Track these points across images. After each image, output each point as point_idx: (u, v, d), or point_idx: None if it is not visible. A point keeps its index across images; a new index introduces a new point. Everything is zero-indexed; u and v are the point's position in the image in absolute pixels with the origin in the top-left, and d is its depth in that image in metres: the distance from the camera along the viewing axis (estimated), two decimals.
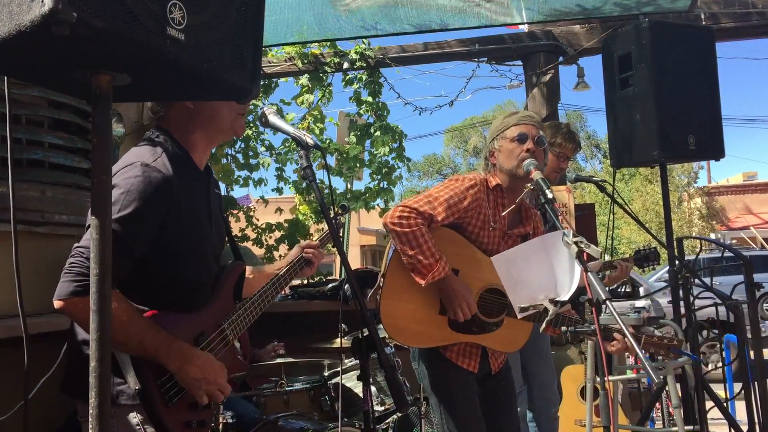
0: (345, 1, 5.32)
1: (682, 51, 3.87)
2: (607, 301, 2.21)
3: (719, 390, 3.91)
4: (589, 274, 2.26)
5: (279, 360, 3.64)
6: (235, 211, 6.73)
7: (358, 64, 6.56)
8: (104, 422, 1.25)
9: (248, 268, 2.38)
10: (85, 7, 1.02)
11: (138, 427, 1.87)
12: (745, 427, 3.74)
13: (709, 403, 3.72)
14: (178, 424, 1.88)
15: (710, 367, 3.90)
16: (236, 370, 2.15)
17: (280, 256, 6.56)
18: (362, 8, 5.41)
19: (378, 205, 7.10)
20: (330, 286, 5.24)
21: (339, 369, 3.65)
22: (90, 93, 1.23)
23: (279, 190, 6.94)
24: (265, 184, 6.89)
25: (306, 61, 6.61)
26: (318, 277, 6.45)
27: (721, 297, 3.77)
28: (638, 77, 3.87)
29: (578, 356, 4.99)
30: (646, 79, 3.81)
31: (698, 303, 3.84)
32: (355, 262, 22.74)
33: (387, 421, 3.57)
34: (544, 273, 2.51)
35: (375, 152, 6.85)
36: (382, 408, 3.56)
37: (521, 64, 6.62)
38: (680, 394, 3.56)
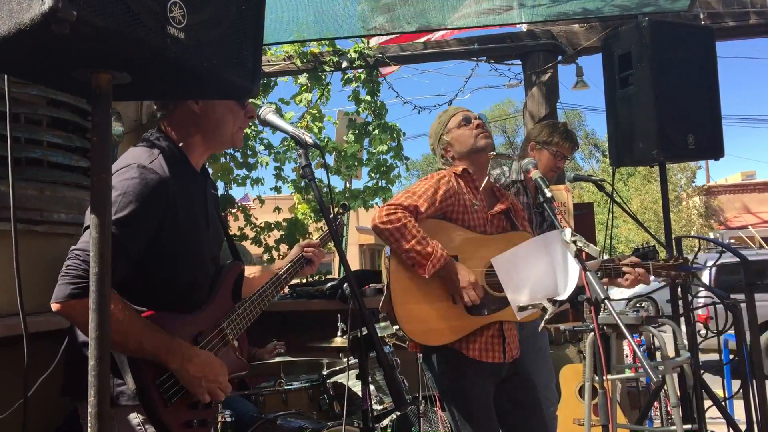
0: None
1: (682, 50, 3.87)
2: (606, 300, 2.22)
3: (717, 389, 3.91)
4: (587, 273, 2.27)
5: (278, 359, 3.64)
6: (233, 210, 6.73)
7: (357, 63, 6.56)
8: (103, 421, 1.25)
9: (250, 268, 2.38)
10: (86, 6, 1.02)
11: (139, 428, 1.87)
12: (743, 426, 3.74)
13: (707, 402, 3.72)
14: (178, 424, 1.88)
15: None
16: (236, 369, 2.15)
17: (279, 255, 6.56)
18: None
19: (377, 203, 7.10)
20: (329, 285, 5.24)
21: (337, 368, 3.66)
22: (90, 92, 1.23)
23: (277, 189, 6.95)
24: (263, 183, 6.89)
25: (305, 60, 6.61)
26: (317, 276, 6.45)
27: (719, 296, 3.78)
28: (638, 76, 3.87)
29: (577, 355, 5.00)
30: (645, 78, 3.81)
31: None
32: (353, 260, 22.74)
33: (385, 420, 3.57)
34: (543, 272, 2.51)
35: (373, 151, 6.85)
36: (381, 407, 3.56)
37: (520, 63, 6.62)
38: (679, 393, 3.56)
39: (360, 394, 2.09)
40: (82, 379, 1.86)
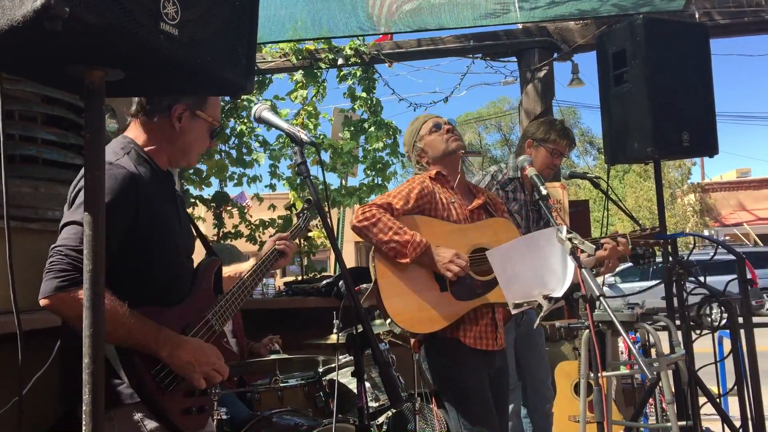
0: None
1: (676, 47, 3.87)
2: (601, 298, 2.22)
3: (712, 386, 3.92)
4: (583, 270, 2.27)
5: (273, 356, 3.64)
6: (228, 207, 6.72)
7: (353, 60, 6.55)
8: (98, 420, 1.24)
9: (225, 270, 2.40)
10: (78, 2, 1.02)
11: (138, 424, 1.87)
12: (737, 423, 3.75)
13: (702, 399, 3.73)
14: (177, 412, 1.90)
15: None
16: (226, 358, 2.17)
17: None
18: None
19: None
20: (324, 282, 5.24)
21: (333, 365, 3.66)
22: (83, 88, 1.23)
23: (272, 187, 6.93)
24: (260, 181, 6.89)
25: (300, 57, 6.60)
26: (312, 274, 6.45)
27: (714, 293, 3.78)
28: (632, 74, 3.87)
29: (572, 352, 5.01)
30: (640, 75, 3.81)
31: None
32: (349, 258, 22.73)
33: (381, 417, 3.57)
34: (538, 269, 2.51)
35: (369, 148, 6.85)
36: (377, 404, 3.57)
37: (516, 60, 6.62)
38: (673, 390, 3.57)
39: (356, 391, 2.09)
40: (78, 386, 1.87)
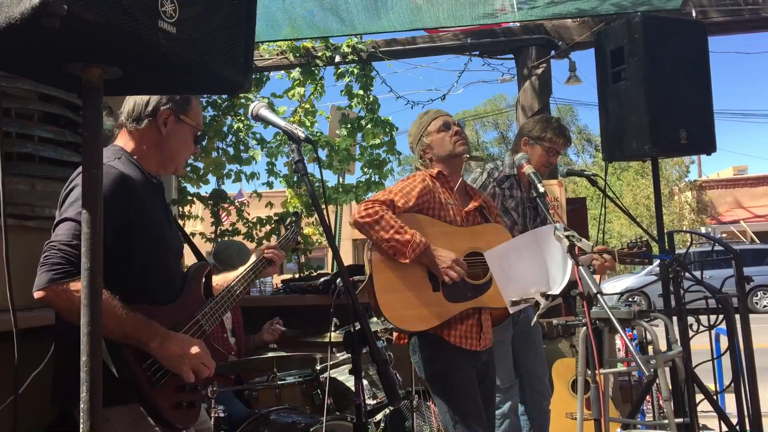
0: None
1: (674, 45, 3.87)
2: (598, 295, 2.23)
3: (709, 383, 3.93)
4: (580, 267, 2.27)
5: (271, 354, 3.65)
6: (225, 205, 6.71)
7: (350, 57, 6.55)
8: (96, 418, 1.24)
9: (214, 279, 2.43)
10: (76, 0, 1.02)
11: (134, 424, 1.88)
12: (734, 420, 3.76)
13: (699, 396, 3.74)
14: (168, 406, 1.93)
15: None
16: (216, 358, 2.19)
17: None
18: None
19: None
20: (322, 280, 5.24)
21: (331, 363, 3.66)
22: (81, 86, 1.23)
23: (269, 184, 6.92)
24: (258, 178, 6.88)
25: (298, 55, 6.59)
26: (309, 271, 6.45)
27: (711, 290, 3.79)
28: (630, 71, 3.87)
29: (569, 349, 5.02)
30: (638, 73, 3.81)
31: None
32: (347, 256, 22.73)
33: (379, 414, 3.58)
34: (535, 266, 2.52)
35: (366, 146, 6.84)
36: (374, 401, 3.57)
37: (513, 57, 6.62)
38: (670, 387, 3.58)
39: (353, 388, 2.09)
40: (73, 388, 1.87)
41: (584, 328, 3.38)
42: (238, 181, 6.90)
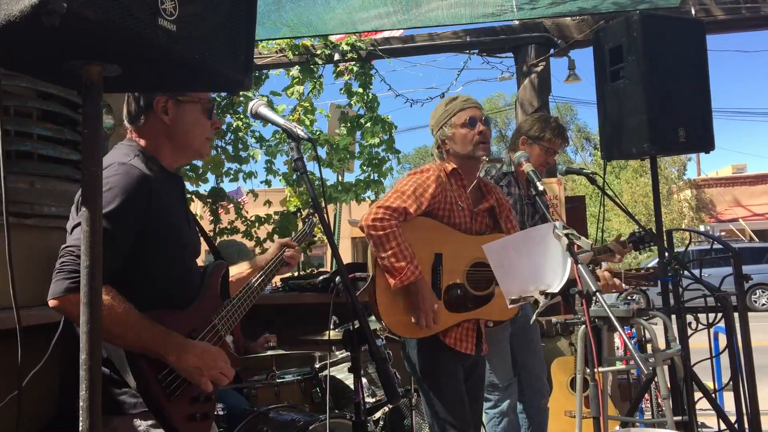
0: None
1: (672, 43, 3.87)
2: (597, 293, 2.22)
3: (708, 381, 3.94)
4: (579, 266, 2.27)
5: (270, 352, 3.65)
6: (224, 203, 6.71)
7: (349, 55, 6.54)
8: (95, 415, 1.24)
9: (232, 268, 2.40)
10: None
11: None
12: (733, 418, 3.77)
13: (697, 394, 3.74)
14: (182, 418, 1.88)
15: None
16: (231, 363, 2.16)
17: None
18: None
19: (368, 197, 7.10)
20: (321, 278, 5.24)
21: (330, 361, 3.66)
22: (80, 84, 1.22)
23: (268, 183, 6.92)
24: (256, 177, 6.88)
25: (297, 53, 6.59)
26: (309, 270, 6.45)
27: (710, 289, 3.79)
28: (629, 69, 3.87)
29: (568, 348, 5.02)
30: (636, 71, 3.81)
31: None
32: (346, 254, 22.74)
33: (378, 412, 3.58)
34: (534, 264, 2.52)
35: (365, 144, 6.84)
36: (374, 399, 3.58)
37: (512, 56, 6.62)
38: (669, 385, 3.58)
39: (353, 387, 2.09)
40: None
41: (583, 326, 3.38)
42: (235, 180, 6.91)
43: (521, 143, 3.88)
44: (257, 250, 6.64)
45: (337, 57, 6.56)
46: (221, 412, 3.08)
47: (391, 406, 3.60)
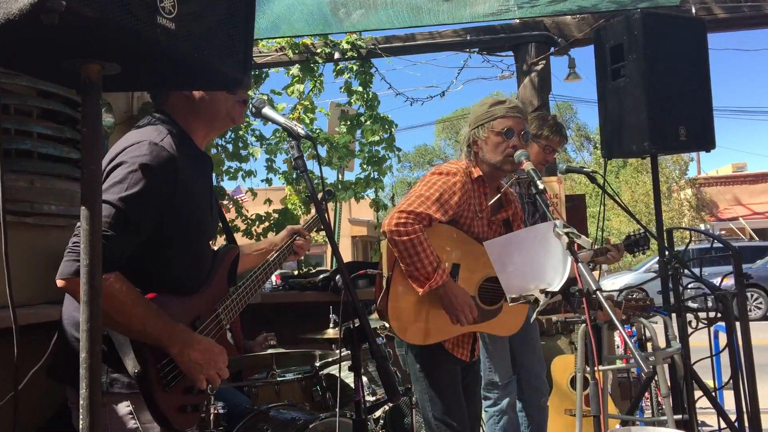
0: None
1: (673, 42, 3.87)
2: (597, 292, 2.22)
3: (708, 379, 3.94)
4: (579, 264, 2.27)
5: (270, 351, 3.65)
6: (224, 202, 6.70)
7: (349, 54, 6.54)
8: (95, 413, 1.24)
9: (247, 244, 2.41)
10: None
11: (129, 416, 1.86)
12: (733, 416, 3.77)
13: (697, 393, 3.74)
14: (174, 409, 1.88)
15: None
16: (228, 353, 2.16)
17: None
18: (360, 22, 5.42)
19: (368, 195, 7.09)
20: (321, 277, 5.24)
21: (330, 360, 3.66)
22: (79, 82, 1.22)
23: (268, 181, 6.92)
24: (255, 176, 6.87)
25: (297, 51, 6.58)
26: (309, 268, 6.45)
27: (710, 287, 3.79)
28: (629, 68, 3.87)
29: (568, 346, 5.02)
30: (637, 69, 3.81)
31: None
32: (346, 252, 22.74)
33: (378, 411, 3.58)
34: (535, 262, 2.52)
35: (365, 142, 6.84)
36: (374, 398, 3.57)
37: (512, 54, 6.61)
38: (669, 384, 3.58)
39: (353, 385, 2.09)
40: (70, 362, 1.84)
41: (583, 325, 3.38)
42: (235, 179, 6.90)
43: None
44: None
45: (337, 56, 6.55)
46: (221, 411, 3.07)
47: (391, 405, 3.60)
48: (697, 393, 3.75)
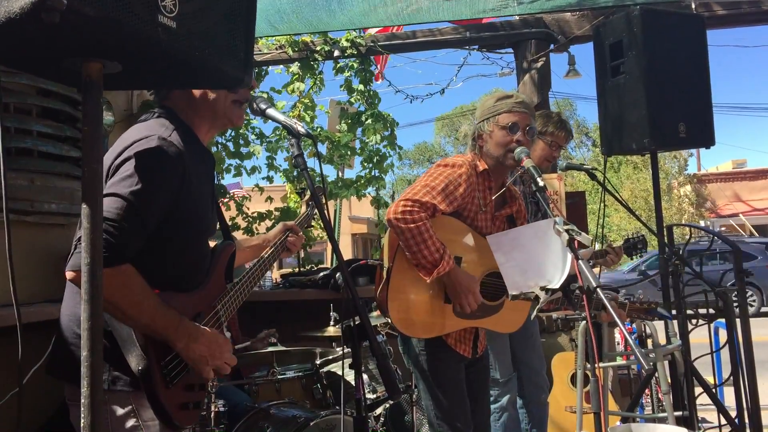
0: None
1: (673, 38, 3.87)
2: (598, 289, 2.22)
3: (708, 376, 3.94)
4: (579, 261, 2.27)
5: (271, 348, 3.65)
6: (225, 200, 6.71)
7: (349, 51, 6.53)
8: (96, 411, 1.24)
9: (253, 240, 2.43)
10: None
11: (130, 414, 1.86)
12: (733, 413, 3.77)
13: (698, 389, 3.75)
14: (176, 406, 1.88)
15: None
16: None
17: None
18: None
19: (369, 193, 7.09)
20: (321, 274, 5.24)
21: (330, 358, 3.66)
22: (80, 81, 1.22)
23: (269, 179, 6.92)
24: (259, 172, 6.87)
25: (296, 49, 6.58)
26: (309, 266, 6.45)
27: (710, 284, 3.80)
28: (629, 65, 3.87)
29: (569, 343, 5.02)
30: (636, 66, 3.81)
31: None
32: (346, 250, 22.75)
33: (379, 408, 3.58)
34: (535, 260, 2.52)
35: (366, 140, 6.83)
36: (374, 396, 3.58)
37: (512, 51, 6.61)
38: (669, 381, 3.59)
39: (353, 383, 2.09)
40: (69, 359, 1.83)
41: (583, 321, 3.38)
42: (238, 176, 6.90)
43: None
44: None
45: (336, 53, 6.55)
46: (222, 409, 3.08)
47: (391, 402, 3.61)
48: (698, 389, 3.75)
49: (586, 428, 3.73)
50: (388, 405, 3.60)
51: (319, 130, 6.90)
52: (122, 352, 1.80)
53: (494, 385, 3.71)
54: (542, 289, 2.47)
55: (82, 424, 1.25)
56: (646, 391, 4.63)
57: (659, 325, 3.63)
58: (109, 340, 1.79)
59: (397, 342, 3.07)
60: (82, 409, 1.24)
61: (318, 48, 6.59)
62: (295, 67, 6.71)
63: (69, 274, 1.72)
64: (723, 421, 3.71)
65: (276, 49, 6.60)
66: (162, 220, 1.85)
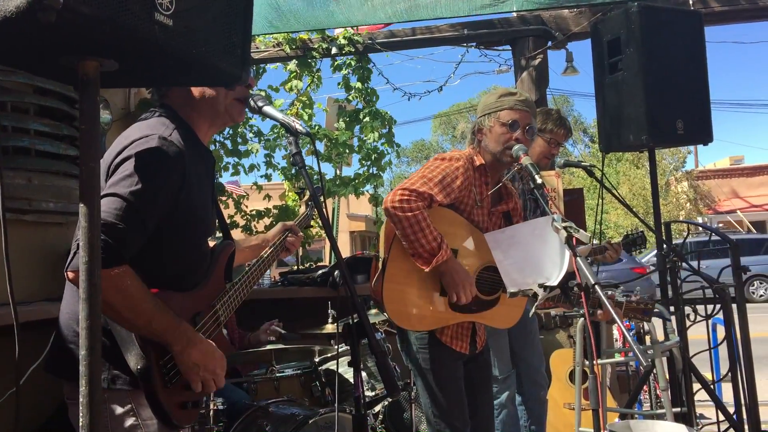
0: None
1: (670, 35, 3.86)
2: (596, 286, 2.23)
3: (706, 372, 3.95)
4: (578, 258, 2.27)
5: (269, 346, 3.65)
6: (224, 198, 6.70)
7: (347, 49, 6.52)
8: (95, 411, 1.24)
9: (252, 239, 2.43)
10: None
11: (129, 413, 1.86)
12: (731, 409, 3.78)
13: (696, 386, 3.75)
14: (175, 405, 1.88)
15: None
16: (224, 350, 2.16)
17: None
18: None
19: (367, 191, 7.09)
20: (320, 272, 5.24)
21: (329, 355, 3.66)
22: (77, 79, 1.22)
23: (268, 177, 6.92)
24: (258, 170, 6.87)
25: (294, 47, 6.57)
26: (308, 264, 6.45)
27: (708, 280, 3.80)
28: (627, 61, 3.86)
29: (567, 340, 5.03)
30: (634, 63, 3.81)
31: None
32: (344, 248, 22.76)
33: (377, 406, 3.59)
34: (534, 257, 2.52)
35: (364, 138, 6.83)
36: (373, 393, 3.58)
37: (510, 48, 6.60)
38: (668, 377, 3.59)
39: (352, 380, 2.09)
40: (67, 357, 1.83)
41: (582, 319, 3.39)
42: (236, 174, 6.90)
43: None
44: None
45: (334, 51, 6.54)
46: (221, 407, 3.08)
47: (390, 400, 3.61)
48: (696, 386, 3.76)
49: (584, 425, 3.73)
50: (386, 402, 3.61)
51: (317, 127, 6.90)
52: (122, 350, 1.80)
53: (493, 382, 3.71)
54: (540, 286, 2.47)
55: (80, 423, 1.24)
56: (645, 387, 4.64)
57: (657, 321, 3.63)
58: (108, 338, 1.79)
59: (395, 339, 3.07)
60: (81, 407, 1.24)
61: (315, 46, 6.58)
62: (292, 65, 6.70)
63: (69, 275, 1.72)
64: (721, 418, 3.72)
65: (273, 46, 6.60)
66: (162, 219, 1.84)
